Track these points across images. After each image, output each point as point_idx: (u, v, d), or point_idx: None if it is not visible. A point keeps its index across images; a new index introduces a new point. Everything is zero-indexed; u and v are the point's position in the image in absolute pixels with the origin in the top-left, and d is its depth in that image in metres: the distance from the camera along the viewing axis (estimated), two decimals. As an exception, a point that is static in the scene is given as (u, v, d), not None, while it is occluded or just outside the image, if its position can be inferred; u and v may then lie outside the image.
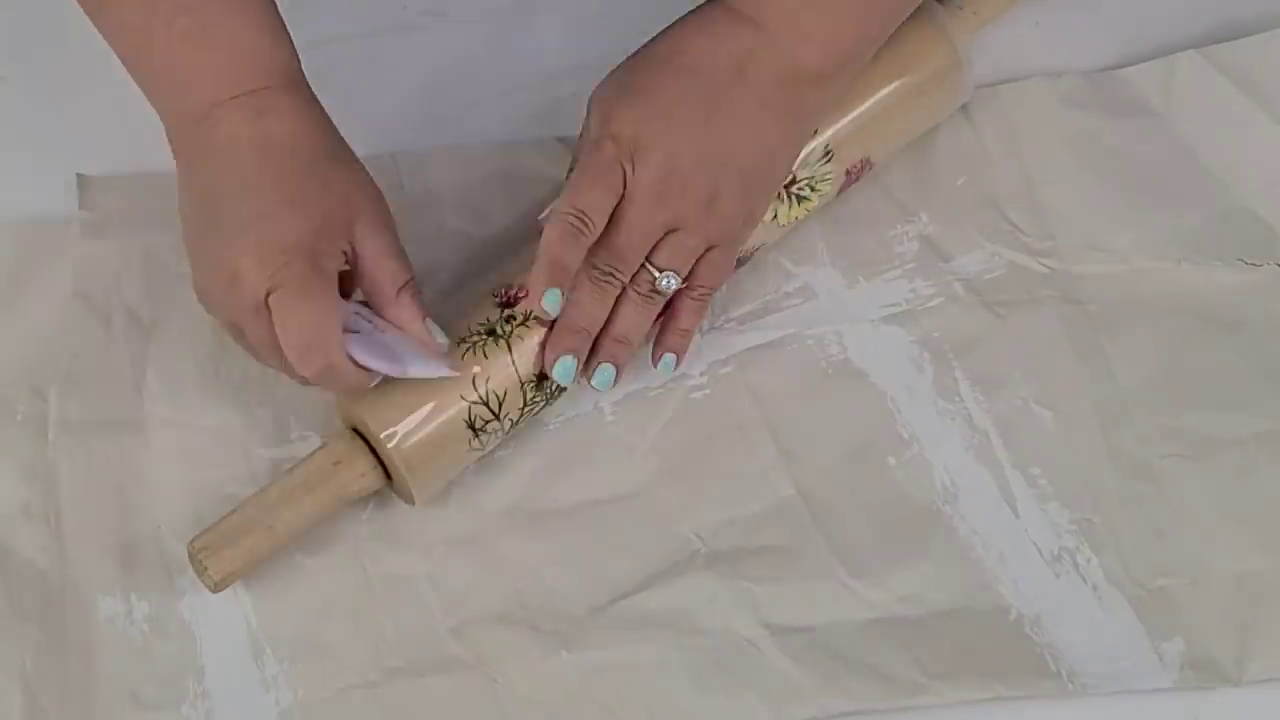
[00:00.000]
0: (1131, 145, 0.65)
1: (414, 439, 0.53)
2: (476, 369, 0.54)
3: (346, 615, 0.54)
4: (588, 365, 0.56)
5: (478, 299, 0.56)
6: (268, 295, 0.50)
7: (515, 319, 0.55)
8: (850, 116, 0.59)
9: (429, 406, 0.54)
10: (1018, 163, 0.65)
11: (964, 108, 0.66)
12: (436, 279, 0.61)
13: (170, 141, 0.54)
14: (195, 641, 0.54)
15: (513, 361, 0.55)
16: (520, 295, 0.55)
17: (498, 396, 0.54)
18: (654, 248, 0.55)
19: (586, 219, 0.53)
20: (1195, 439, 0.59)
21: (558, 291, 0.52)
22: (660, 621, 0.54)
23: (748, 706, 0.53)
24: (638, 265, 0.55)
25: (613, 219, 0.54)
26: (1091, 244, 0.63)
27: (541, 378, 0.55)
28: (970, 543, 0.57)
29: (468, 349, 0.54)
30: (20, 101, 0.66)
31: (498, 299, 0.55)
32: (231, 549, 0.53)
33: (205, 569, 0.52)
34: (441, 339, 0.53)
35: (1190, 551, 0.56)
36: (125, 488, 0.56)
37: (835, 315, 0.61)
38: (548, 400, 0.56)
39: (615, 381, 0.56)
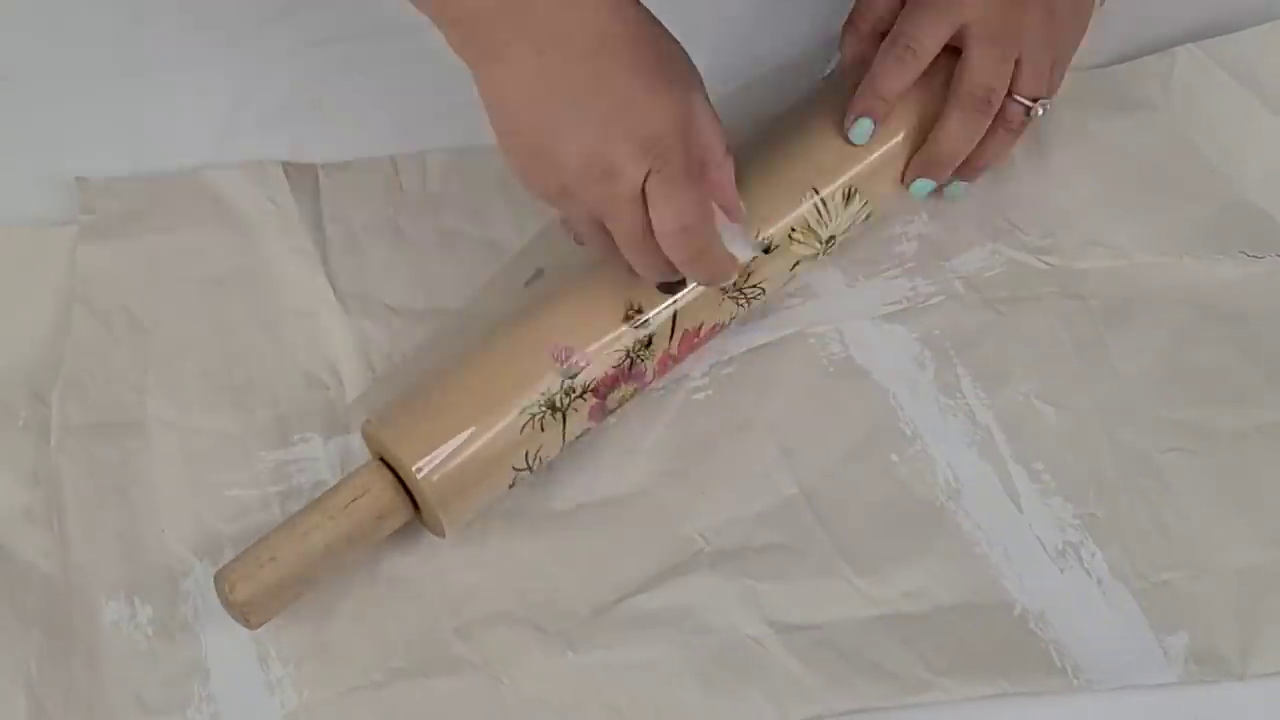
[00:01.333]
0: (1131, 140, 0.65)
1: (455, 493, 0.53)
2: (529, 445, 0.54)
3: (351, 617, 0.54)
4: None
5: (532, 350, 0.55)
6: (644, 182, 0.50)
7: (574, 391, 0.55)
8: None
9: (479, 470, 0.53)
10: (1017, 159, 0.65)
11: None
12: (440, 283, 0.61)
13: (478, 59, 0.50)
14: (200, 644, 0.54)
15: (563, 434, 0.55)
16: (581, 364, 0.55)
17: (543, 461, 0.55)
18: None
19: (916, 46, 0.56)
20: (1197, 432, 0.59)
21: (869, 123, 0.56)
22: (665, 621, 0.54)
23: (754, 705, 0.53)
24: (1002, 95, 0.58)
25: (964, 53, 0.58)
26: (1092, 239, 0.63)
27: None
28: (974, 538, 0.56)
29: (526, 422, 0.54)
30: (21, 103, 0.66)
31: (558, 361, 0.54)
32: (273, 601, 0.52)
33: (246, 618, 0.52)
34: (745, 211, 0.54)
35: (1194, 545, 0.56)
36: (128, 491, 0.56)
37: (836, 314, 0.61)
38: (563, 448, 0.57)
39: None
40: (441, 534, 0.55)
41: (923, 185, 0.60)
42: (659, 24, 0.52)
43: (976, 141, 0.60)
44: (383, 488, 0.53)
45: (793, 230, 0.58)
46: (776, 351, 0.61)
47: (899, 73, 0.58)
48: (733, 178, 0.53)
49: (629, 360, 0.56)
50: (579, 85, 0.49)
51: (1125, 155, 0.65)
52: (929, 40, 0.58)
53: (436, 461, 0.53)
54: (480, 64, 0.50)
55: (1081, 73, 0.67)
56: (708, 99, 0.52)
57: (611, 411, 0.57)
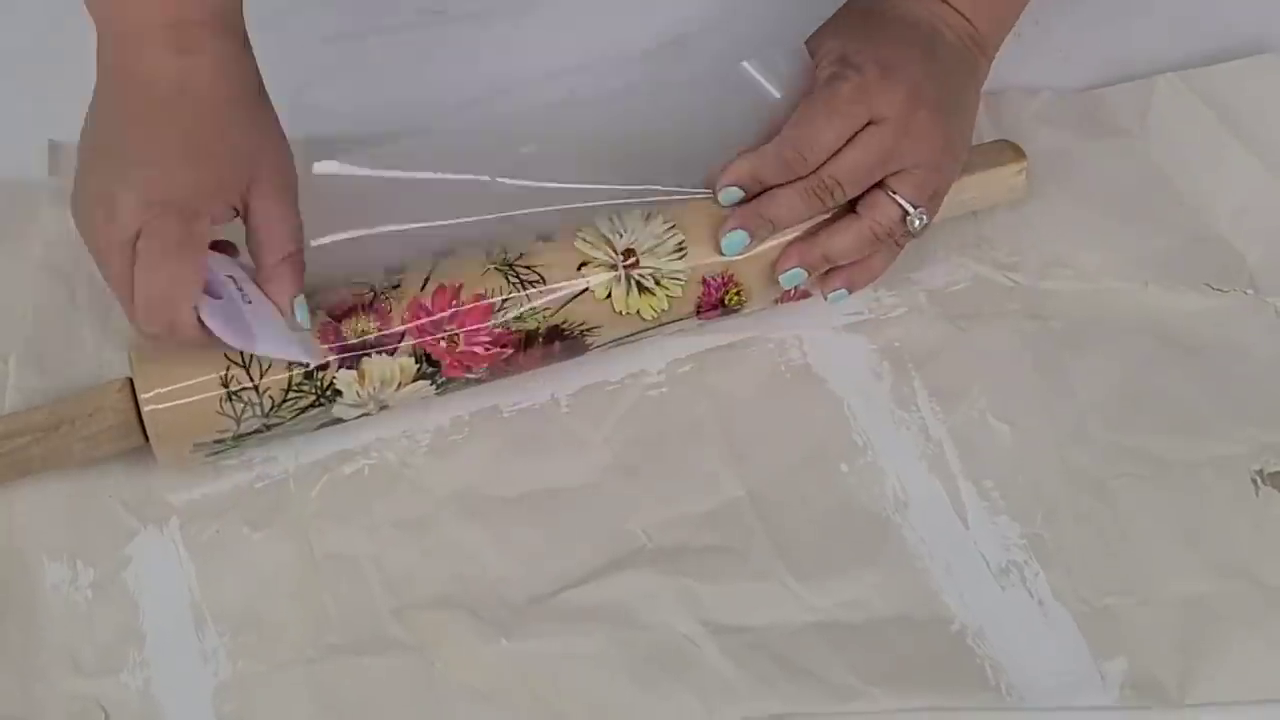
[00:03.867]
0: (1105, 165, 0.66)
1: (164, 389, 0.54)
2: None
3: (289, 591, 0.55)
4: (824, 282, 0.58)
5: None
6: (136, 238, 0.50)
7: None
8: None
9: (187, 360, 0.54)
10: (991, 177, 0.65)
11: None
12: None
13: (97, 55, 0.53)
14: (138, 610, 0.54)
15: None
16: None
17: (260, 366, 0.54)
18: (894, 177, 0.56)
19: (806, 156, 0.55)
20: (1151, 460, 0.58)
21: (744, 239, 0.55)
22: (601, 615, 0.54)
23: (682, 703, 0.53)
24: (863, 188, 0.56)
25: (850, 141, 0.55)
26: (1059, 261, 0.63)
27: (310, 374, 0.54)
28: (918, 552, 0.56)
29: None
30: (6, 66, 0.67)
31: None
32: None
33: None
34: (304, 321, 0.53)
35: (1139, 571, 0.56)
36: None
37: (797, 320, 0.62)
38: (319, 397, 0.55)
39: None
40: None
41: (796, 275, 0.57)
42: (263, 105, 0.53)
43: (864, 253, 0.58)
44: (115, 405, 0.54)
45: (580, 229, 0.57)
46: (735, 354, 0.61)
47: (806, 209, 0.56)
48: (286, 285, 0.53)
49: (371, 293, 0.55)
50: (133, 124, 0.51)
51: (1099, 180, 0.65)
52: (851, 190, 0.56)
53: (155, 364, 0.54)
54: (98, 76, 0.52)
55: (1060, 94, 0.67)
56: (288, 198, 0.53)
57: (353, 350, 0.55)
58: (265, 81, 0.53)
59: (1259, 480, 0.58)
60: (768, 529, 0.57)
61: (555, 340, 0.56)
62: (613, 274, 0.56)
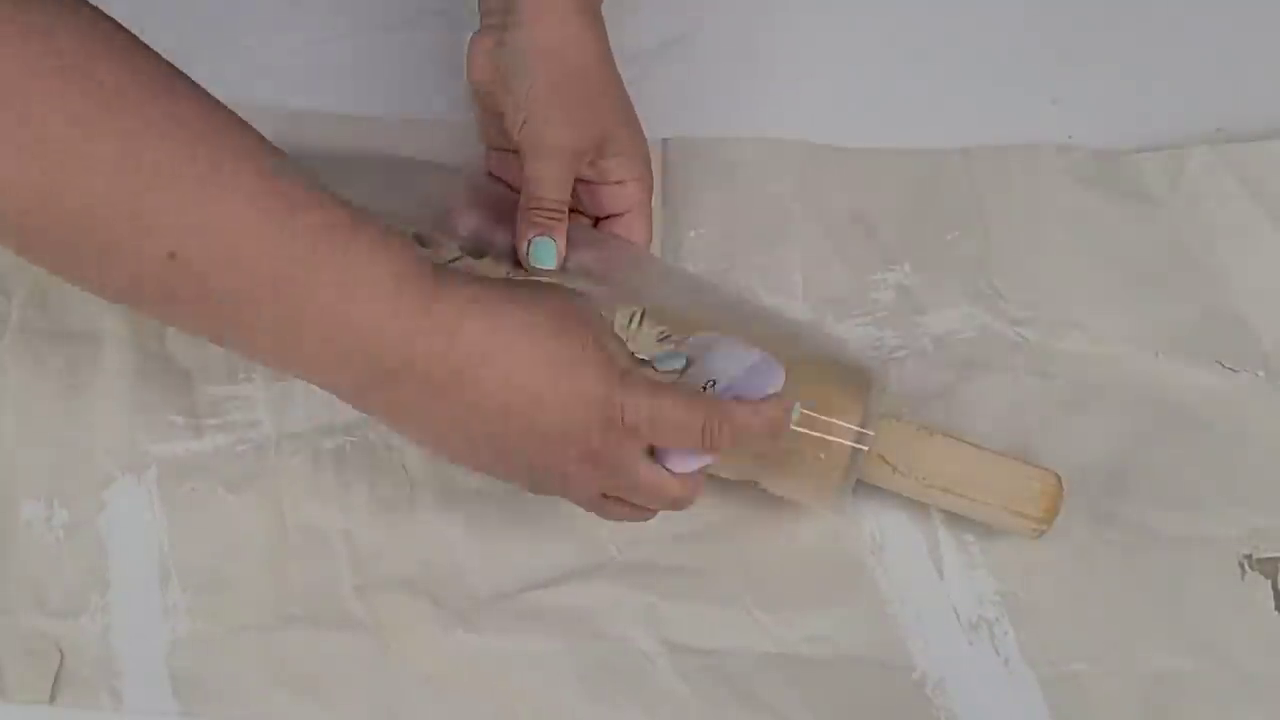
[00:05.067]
0: (1129, 230, 0.65)
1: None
2: None
3: (256, 557, 0.55)
4: None
5: None
6: (639, 438, 0.47)
7: None
8: None
9: None
10: (1012, 228, 0.64)
11: (968, 162, 0.65)
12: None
13: (369, 405, 0.47)
14: (106, 556, 0.54)
15: None
16: None
17: None
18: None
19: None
20: (1140, 531, 0.58)
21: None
22: (561, 619, 0.54)
23: (629, 717, 0.52)
24: None
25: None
26: (1071, 321, 0.62)
27: None
28: (888, 596, 0.56)
29: None
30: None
31: None
32: None
33: None
34: (679, 362, 0.50)
35: (1112, 641, 0.55)
36: (68, 397, 0.57)
37: (798, 351, 0.61)
38: None
39: None
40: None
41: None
42: (537, 291, 0.48)
43: None
44: None
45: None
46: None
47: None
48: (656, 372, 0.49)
49: None
50: (504, 413, 0.46)
51: (1120, 243, 0.64)
52: None
53: None
54: (395, 424, 0.48)
55: (1093, 154, 0.66)
56: (597, 312, 0.49)
57: None
58: (264, 81, 0.54)
59: (1246, 564, 0.57)
60: (740, 556, 0.56)
61: None
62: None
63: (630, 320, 0.55)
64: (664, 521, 0.56)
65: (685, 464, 0.49)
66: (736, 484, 0.58)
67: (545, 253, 0.55)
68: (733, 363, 0.50)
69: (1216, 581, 0.57)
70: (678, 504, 0.50)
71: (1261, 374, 0.61)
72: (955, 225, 0.65)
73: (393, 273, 0.45)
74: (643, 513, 0.51)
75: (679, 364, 0.50)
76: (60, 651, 0.53)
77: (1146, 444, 0.60)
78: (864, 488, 0.56)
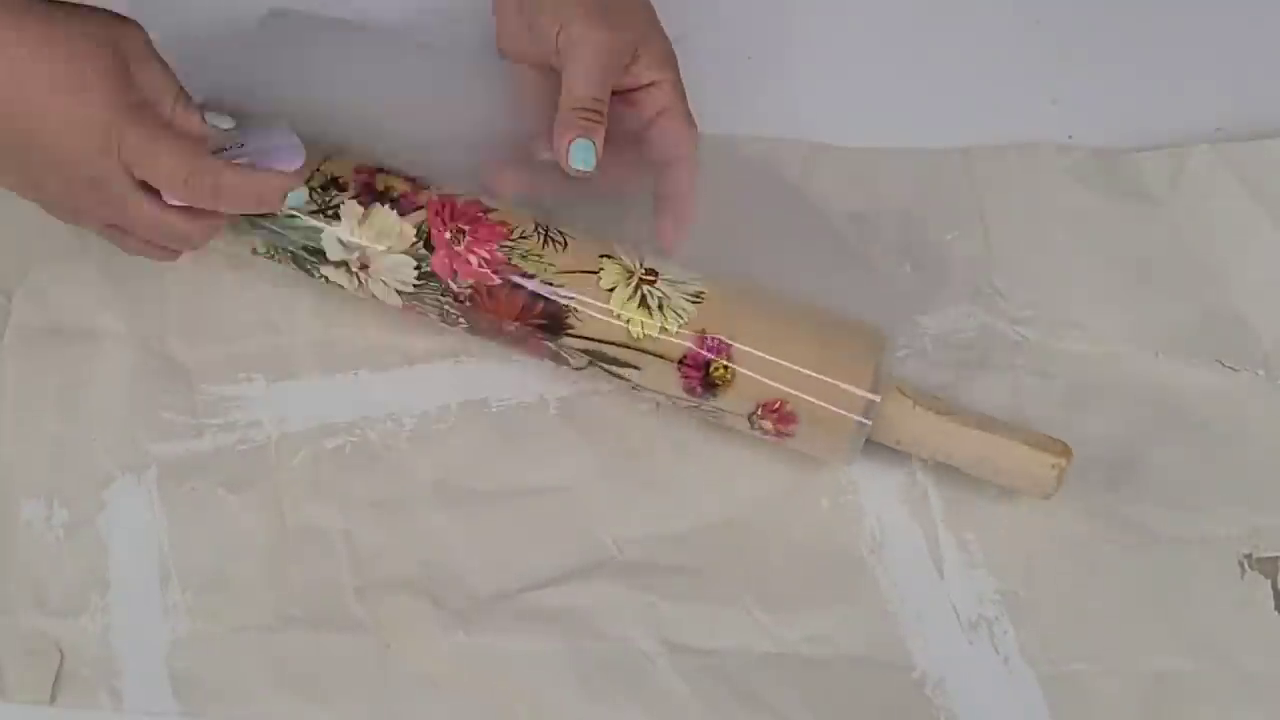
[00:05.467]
0: (1129, 229, 0.64)
1: None
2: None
3: (257, 557, 0.55)
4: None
5: None
6: (131, 174, 0.51)
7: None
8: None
9: None
10: (1012, 228, 0.64)
11: (968, 162, 0.65)
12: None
13: None
14: (107, 556, 0.54)
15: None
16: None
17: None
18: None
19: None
20: (1140, 530, 0.58)
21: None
22: (562, 620, 0.54)
23: (629, 716, 0.52)
24: None
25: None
26: (1071, 321, 0.62)
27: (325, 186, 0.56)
28: (889, 595, 0.56)
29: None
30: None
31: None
32: None
33: None
34: (228, 122, 0.54)
35: (1111, 641, 0.55)
36: (68, 396, 0.57)
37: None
38: (321, 210, 0.55)
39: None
40: None
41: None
42: (74, 11, 0.50)
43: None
44: None
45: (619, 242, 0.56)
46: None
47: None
48: (195, 119, 0.53)
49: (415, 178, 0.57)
50: (15, 125, 0.50)
51: (1120, 243, 0.64)
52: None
53: None
54: None
55: (1093, 153, 0.66)
56: (151, 53, 0.52)
57: (374, 192, 0.56)
58: (263, 81, 0.55)
59: (1246, 564, 0.57)
60: (740, 556, 0.56)
61: (540, 299, 0.55)
62: (627, 276, 0.56)
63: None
64: (664, 521, 0.57)
65: (175, 199, 0.52)
66: (736, 482, 0.58)
67: (585, 154, 0.55)
68: (267, 139, 0.54)
69: (1216, 581, 0.57)
70: (182, 240, 0.54)
71: (1262, 373, 0.61)
72: (955, 225, 0.64)
73: None
74: (159, 250, 0.55)
75: (226, 124, 0.54)
76: (60, 651, 0.53)
77: (1146, 443, 0.60)
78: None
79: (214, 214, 0.53)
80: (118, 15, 0.52)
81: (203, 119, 0.53)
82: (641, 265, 0.56)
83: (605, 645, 0.54)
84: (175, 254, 0.56)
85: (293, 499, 0.56)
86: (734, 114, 0.65)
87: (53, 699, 0.52)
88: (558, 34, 0.56)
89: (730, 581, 0.56)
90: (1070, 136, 0.67)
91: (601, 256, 0.56)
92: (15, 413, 0.57)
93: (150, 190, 0.52)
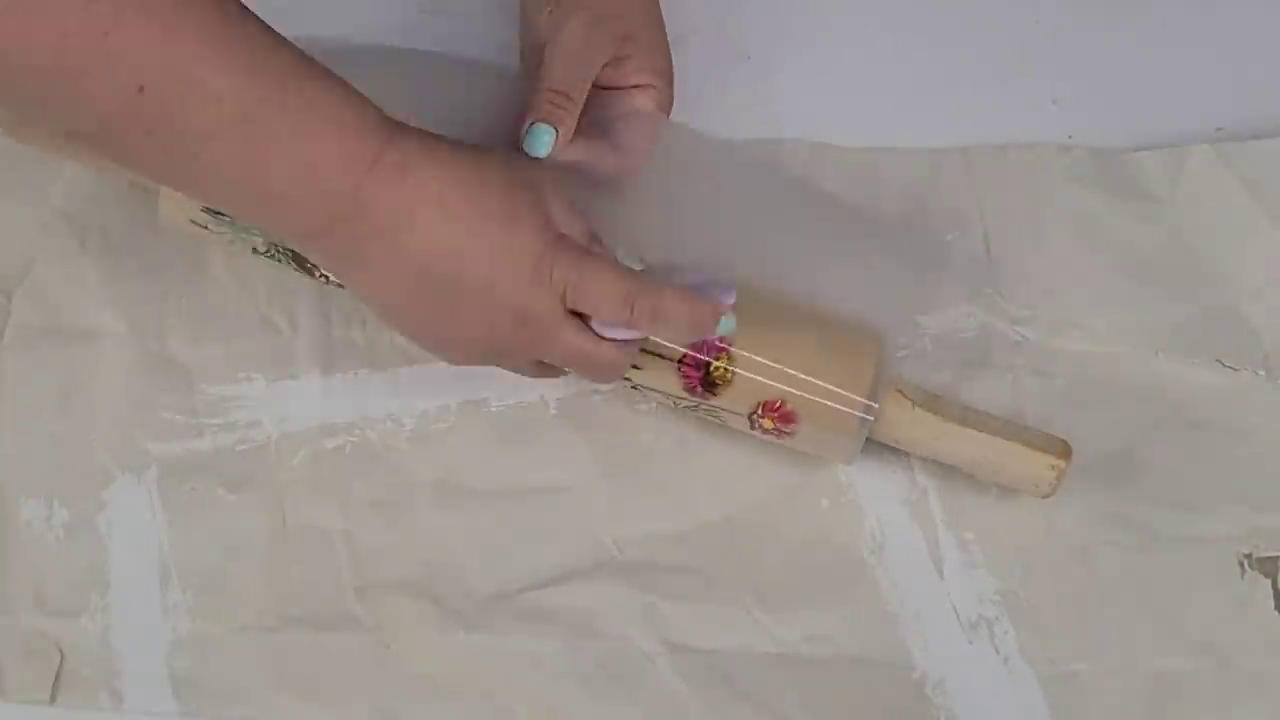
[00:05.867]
0: (1129, 229, 0.64)
1: None
2: None
3: (257, 557, 0.55)
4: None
5: None
6: (564, 300, 0.49)
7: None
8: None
9: None
10: (1011, 227, 0.64)
11: (968, 162, 0.65)
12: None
13: (318, 252, 0.49)
14: (106, 555, 0.54)
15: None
16: None
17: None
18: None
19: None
20: (1139, 530, 0.58)
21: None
22: (561, 620, 0.54)
23: (629, 716, 0.52)
24: None
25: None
26: (1071, 320, 0.62)
27: None
28: (889, 596, 0.56)
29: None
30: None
31: None
32: None
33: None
34: (636, 265, 0.52)
35: (1111, 641, 0.55)
36: (68, 396, 0.57)
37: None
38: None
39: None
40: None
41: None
42: (490, 152, 0.49)
43: None
44: None
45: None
46: (728, 376, 0.60)
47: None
48: (609, 257, 0.51)
49: None
50: (440, 259, 0.48)
51: (1121, 243, 0.64)
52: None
53: None
54: (343, 274, 0.50)
55: (1092, 153, 0.66)
56: (555, 185, 0.50)
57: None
58: None
59: (1245, 563, 0.57)
60: (740, 556, 0.56)
61: None
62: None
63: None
64: (664, 521, 0.57)
65: (611, 330, 0.50)
66: (736, 483, 0.58)
67: (541, 139, 0.54)
68: (688, 277, 0.52)
69: (1216, 581, 0.57)
70: (609, 370, 0.52)
71: (1262, 373, 0.61)
72: (954, 225, 0.64)
73: (354, 115, 0.46)
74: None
75: (636, 265, 0.52)
76: (60, 651, 0.53)
77: (1146, 443, 0.60)
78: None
79: (635, 344, 0.52)
80: (530, 158, 0.52)
81: (615, 258, 0.51)
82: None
83: (605, 645, 0.54)
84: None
85: (293, 499, 0.56)
86: (733, 114, 0.65)
87: (53, 699, 0.52)
88: (546, 15, 0.56)
89: (730, 581, 0.56)
90: (1070, 136, 0.67)
91: None
92: (15, 412, 0.57)
93: (578, 321, 0.50)
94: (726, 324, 0.52)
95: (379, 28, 0.68)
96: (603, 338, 0.50)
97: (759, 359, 0.54)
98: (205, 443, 0.57)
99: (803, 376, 0.54)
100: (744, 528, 0.57)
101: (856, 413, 0.54)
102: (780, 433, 0.56)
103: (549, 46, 0.56)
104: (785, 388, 0.54)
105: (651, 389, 0.56)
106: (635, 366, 0.55)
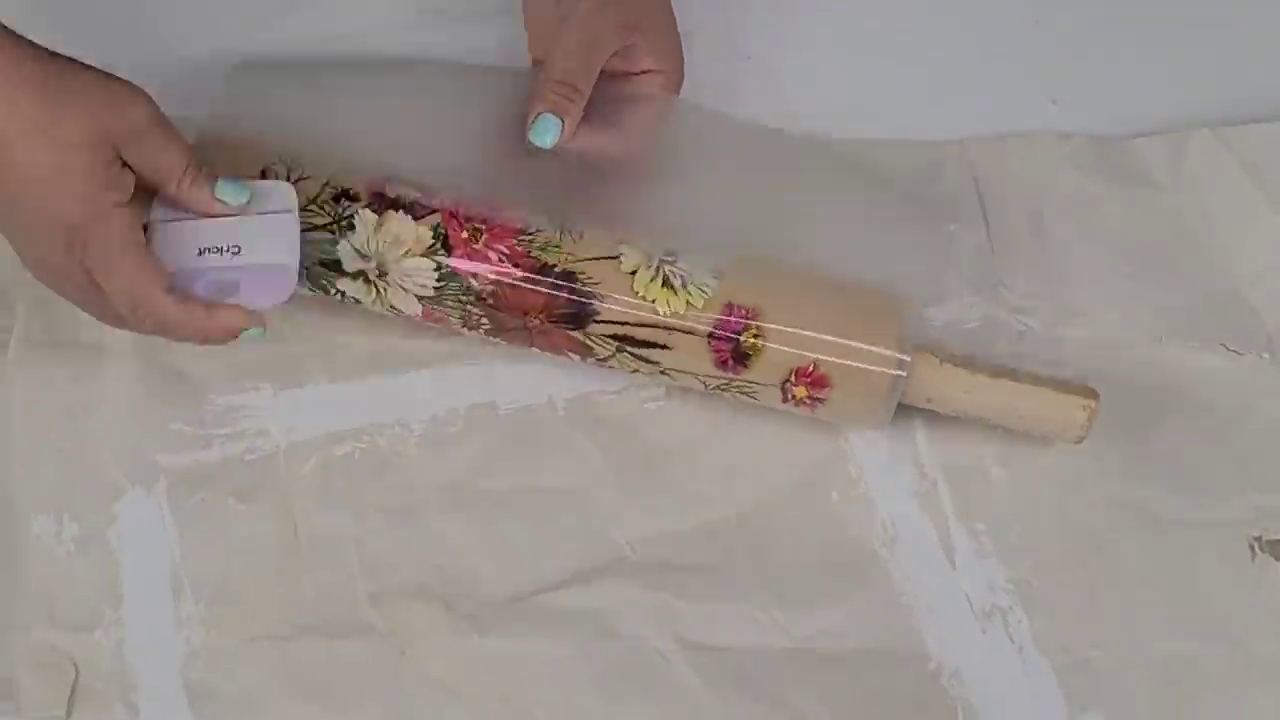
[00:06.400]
0: (1131, 215, 0.65)
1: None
2: None
3: (269, 566, 0.55)
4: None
5: None
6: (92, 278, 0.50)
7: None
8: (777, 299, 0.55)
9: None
10: (1013, 217, 0.65)
11: (968, 153, 0.65)
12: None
13: None
14: (118, 569, 0.54)
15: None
16: None
17: (300, 171, 0.55)
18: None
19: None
20: (1148, 516, 0.58)
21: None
22: (575, 621, 0.54)
23: (645, 716, 0.52)
24: None
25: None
26: (1074, 308, 0.63)
27: (337, 197, 0.56)
28: (902, 588, 0.56)
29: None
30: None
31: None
32: None
33: None
34: (242, 198, 0.52)
35: (1124, 627, 0.55)
36: (75, 409, 0.57)
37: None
38: (334, 222, 0.55)
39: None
40: None
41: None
42: (66, 68, 0.48)
43: None
44: None
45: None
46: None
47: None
48: (203, 191, 0.51)
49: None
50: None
51: (1123, 230, 0.64)
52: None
53: None
54: None
55: (1092, 140, 0.66)
56: (157, 124, 0.50)
57: (384, 200, 0.55)
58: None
59: (1256, 546, 0.57)
60: (752, 552, 0.56)
61: (564, 289, 0.55)
62: (648, 258, 0.55)
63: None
64: (675, 520, 0.57)
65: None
66: (746, 479, 0.58)
67: (547, 130, 0.54)
68: (270, 245, 0.52)
69: (1227, 564, 0.57)
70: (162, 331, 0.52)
71: (1266, 356, 0.62)
72: (956, 216, 0.64)
73: None
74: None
75: (239, 198, 0.52)
76: (75, 666, 0.52)
77: (1153, 430, 0.60)
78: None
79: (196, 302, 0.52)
80: (125, 86, 0.50)
81: (212, 193, 0.51)
82: (660, 248, 0.56)
83: (620, 645, 0.54)
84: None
85: (303, 507, 0.56)
86: (733, 107, 0.64)
87: (68, 714, 0.52)
88: (556, 4, 0.56)
89: (743, 578, 0.56)
90: (1054, 101, 0.67)
91: (619, 243, 0.55)
92: (23, 427, 0.57)
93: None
94: (253, 335, 0.52)
95: (379, 28, 0.68)
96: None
97: (788, 328, 0.54)
98: (214, 453, 0.57)
99: (833, 340, 0.54)
100: (755, 524, 0.57)
101: (890, 370, 0.55)
102: (814, 400, 0.56)
103: (555, 36, 0.56)
104: (816, 355, 0.55)
105: (681, 370, 0.56)
106: (664, 346, 0.55)
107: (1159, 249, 0.64)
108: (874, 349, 0.55)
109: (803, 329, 0.55)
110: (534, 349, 0.57)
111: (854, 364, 0.55)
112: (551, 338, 0.56)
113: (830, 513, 0.57)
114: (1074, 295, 0.63)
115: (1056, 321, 0.62)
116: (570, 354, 0.57)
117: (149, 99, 0.50)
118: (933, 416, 0.59)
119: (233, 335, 0.52)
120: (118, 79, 0.49)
